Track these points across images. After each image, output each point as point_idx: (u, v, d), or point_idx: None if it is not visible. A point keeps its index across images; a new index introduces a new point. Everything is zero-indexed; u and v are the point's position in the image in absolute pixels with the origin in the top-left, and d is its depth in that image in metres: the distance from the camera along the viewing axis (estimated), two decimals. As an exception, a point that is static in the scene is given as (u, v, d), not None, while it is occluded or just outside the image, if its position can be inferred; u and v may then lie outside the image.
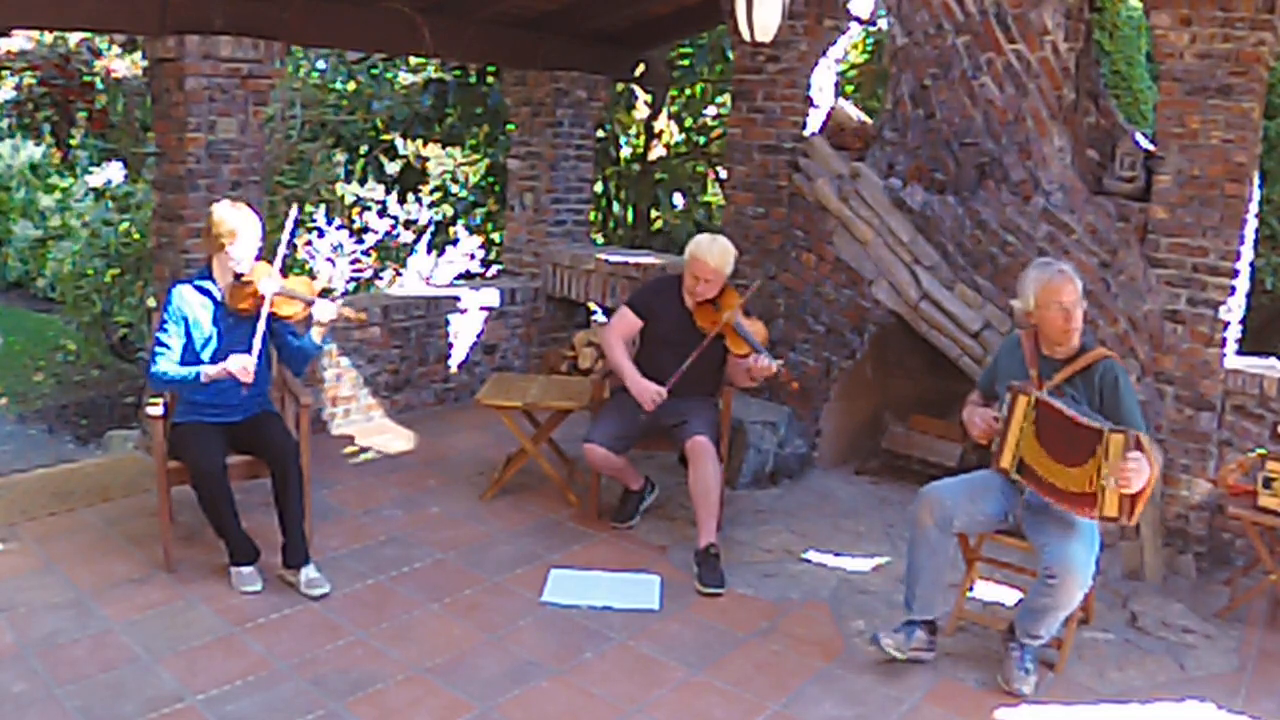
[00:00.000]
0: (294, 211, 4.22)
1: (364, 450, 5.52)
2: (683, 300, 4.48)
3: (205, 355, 3.95)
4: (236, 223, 3.93)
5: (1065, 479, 3.32)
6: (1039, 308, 3.49)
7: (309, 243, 7.56)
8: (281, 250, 4.04)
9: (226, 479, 3.87)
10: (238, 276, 3.96)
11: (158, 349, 3.91)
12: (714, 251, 4.35)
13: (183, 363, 3.91)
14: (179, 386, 3.93)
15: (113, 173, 8.07)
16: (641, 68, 7.17)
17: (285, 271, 4.05)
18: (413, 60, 8.87)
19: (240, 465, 4.01)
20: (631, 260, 6.41)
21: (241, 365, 3.84)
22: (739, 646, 3.69)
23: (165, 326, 3.93)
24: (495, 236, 8.94)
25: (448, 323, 6.31)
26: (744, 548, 4.50)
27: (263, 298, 3.92)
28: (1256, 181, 4.37)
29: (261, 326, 3.91)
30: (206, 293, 4.00)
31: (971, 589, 3.94)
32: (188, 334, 3.94)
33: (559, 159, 6.75)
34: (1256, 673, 3.65)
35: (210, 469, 3.82)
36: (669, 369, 4.31)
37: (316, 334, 4.10)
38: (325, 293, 7.09)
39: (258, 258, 4.02)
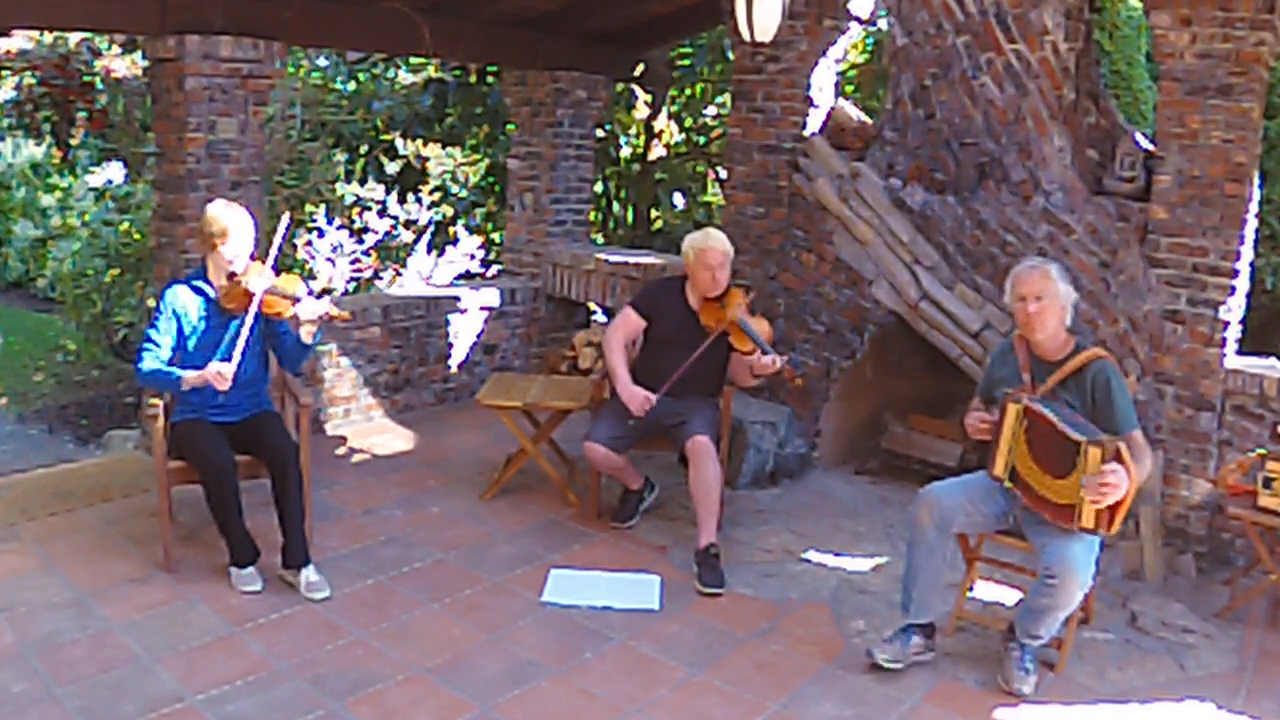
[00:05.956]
0: (286, 218, 4.23)
1: (364, 450, 5.52)
2: (686, 301, 4.52)
3: (191, 346, 3.97)
4: (228, 221, 3.94)
5: (1052, 490, 3.31)
6: (1011, 300, 3.56)
7: (309, 243, 7.55)
8: (273, 253, 4.03)
9: (236, 475, 3.88)
10: (231, 275, 3.97)
11: (146, 345, 3.94)
12: (714, 236, 4.47)
13: (171, 360, 3.93)
14: (161, 385, 3.95)
15: (113, 173, 8.07)
16: (641, 68, 7.17)
17: (278, 271, 4.06)
18: (413, 60, 8.86)
19: (240, 465, 3.99)
20: (631, 260, 6.41)
21: (218, 372, 3.83)
22: (739, 646, 3.69)
23: (156, 324, 3.95)
24: (495, 236, 8.93)
25: (448, 323, 6.31)
26: (744, 548, 4.50)
27: (252, 295, 3.93)
28: (1256, 181, 4.37)
29: (246, 328, 3.91)
30: (200, 292, 4.02)
31: (971, 589, 3.94)
32: (179, 331, 3.97)
33: (559, 159, 6.75)
34: (1256, 673, 3.65)
35: (221, 463, 3.83)
36: (674, 368, 4.33)
37: (305, 333, 4.06)
38: (325, 292, 7.10)
39: (252, 257, 4.02)
